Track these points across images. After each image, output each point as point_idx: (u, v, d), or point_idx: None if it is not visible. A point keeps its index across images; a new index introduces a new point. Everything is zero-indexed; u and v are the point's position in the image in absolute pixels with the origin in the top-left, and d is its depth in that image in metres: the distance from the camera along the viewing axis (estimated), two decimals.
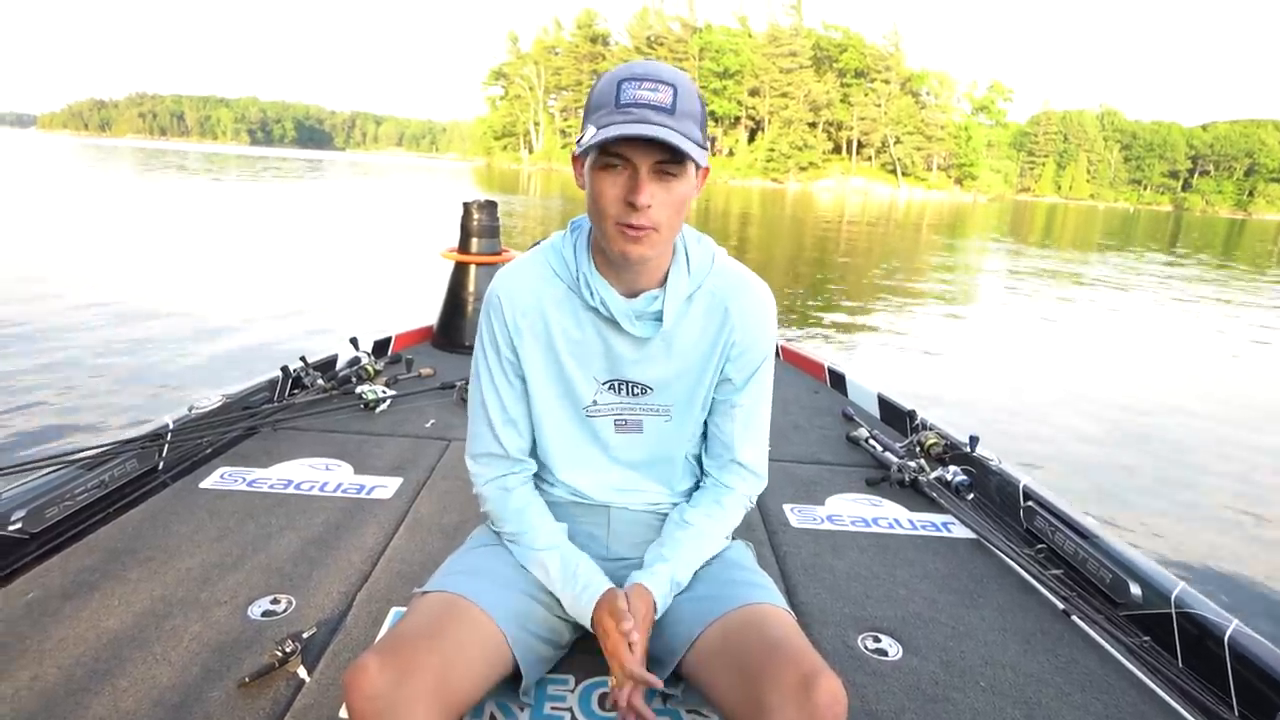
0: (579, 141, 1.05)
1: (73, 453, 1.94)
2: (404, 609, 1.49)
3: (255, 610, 1.49)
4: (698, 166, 1.07)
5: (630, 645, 1.12)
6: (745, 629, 1.11)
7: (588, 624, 1.19)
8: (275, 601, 1.53)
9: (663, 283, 1.18)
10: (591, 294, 1.16)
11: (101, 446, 2.01)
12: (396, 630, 1.08)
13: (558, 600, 1.23)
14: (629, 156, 1.01)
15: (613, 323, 1.18)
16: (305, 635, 1.39)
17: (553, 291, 1.21)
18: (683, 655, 1.16)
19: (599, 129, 1.00)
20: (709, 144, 1.09)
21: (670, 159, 1.01)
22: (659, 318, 1.17)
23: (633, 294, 1.17)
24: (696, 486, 1.35)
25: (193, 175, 31.37)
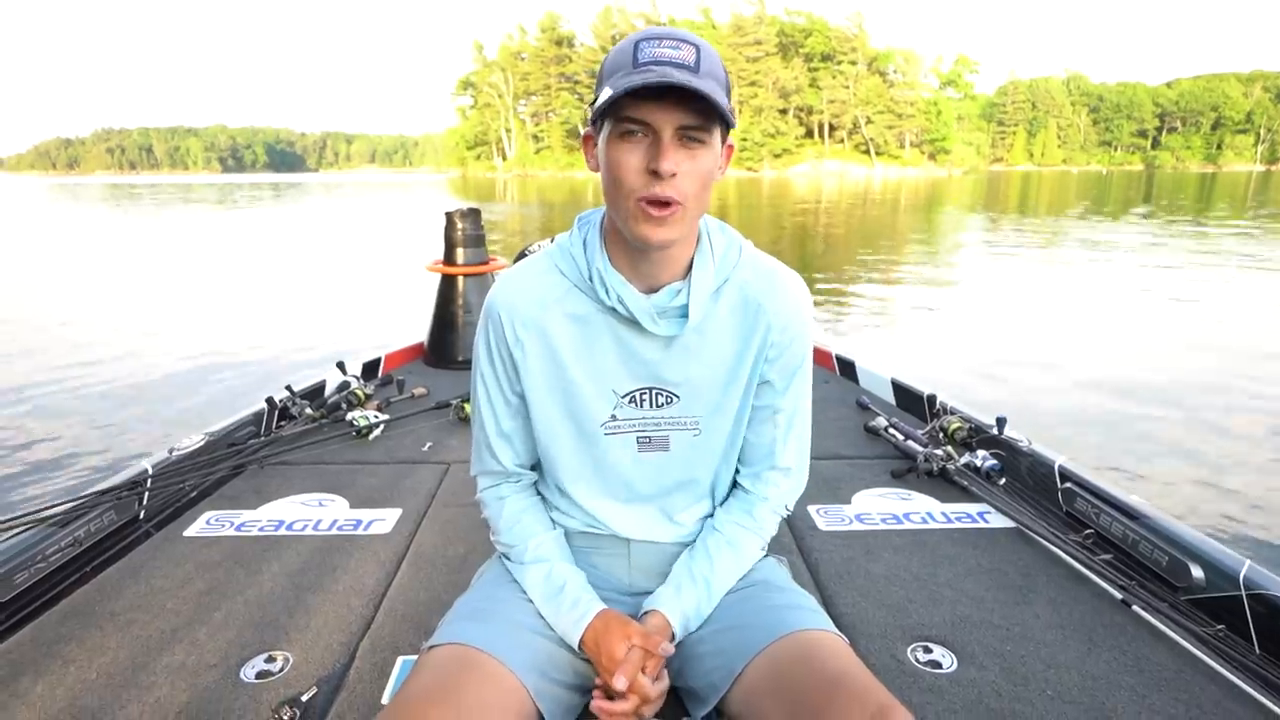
0: (592, 106, 0.94)
1: (42, 509, 1.80)
2: (411, 658, 1.39)
3: (249, 671, 1.37)
4: (724, 139, 0.96)
5: (644, 668, 1.04)
6: (797, 661, 0.99)
7: (576, 646, 1.08)
8: (270, 660, 1.40)
9: (685, 275, 1.06)
10: (607, 292, 1.04)
11: (75, 499, 1.88)
12: (405, 693, 0.95)
13: None
14: (650, 121, 0.90)
15: (632, 323, 1.06)
16: (305, 698, 1.27)
17: (560, 296, 1.09)
18: (726, 691, 1.04)
19: (615, 90, 0.89)
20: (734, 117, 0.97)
21: (697, 124, 0.90)
22: (684, 313, 1.05)
23: (652, 290, 1.06)
24: None
25: (165, 207, 30.99)
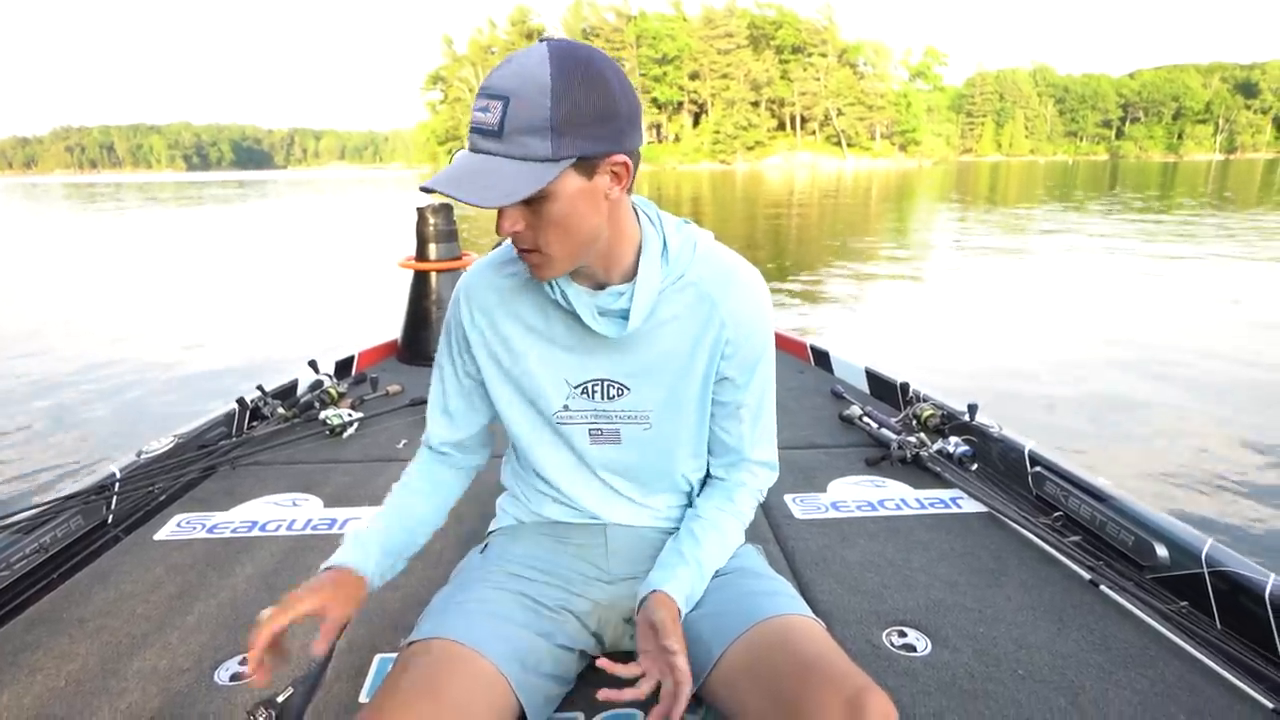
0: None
1: (5, 516, 1.76)
2: (389, 655, 1.37)
3: (223, 674, 1.35)
4: (598, 165, 0.91)
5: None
6: (774, 646, 1.01)
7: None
8: (244, 662, 1.38)
9: (634, 274, 1.06)
10: (552, 285, 1.06)
11: (40, 505, 1.83)
12: (386, 689, 0.95)
13: (558, 629, 1.12)
14: None
15: (579, 317, 1.07)
16: (280, 699, 1.25)
17: (519, 285, 1.11)
18: (705, 677, 1.05)
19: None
20: (597, 138, 0.88)
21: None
22: (626, 315, 1.06)
23: (600, 286, 1.06)
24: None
25: (125, 209, 30.30)
